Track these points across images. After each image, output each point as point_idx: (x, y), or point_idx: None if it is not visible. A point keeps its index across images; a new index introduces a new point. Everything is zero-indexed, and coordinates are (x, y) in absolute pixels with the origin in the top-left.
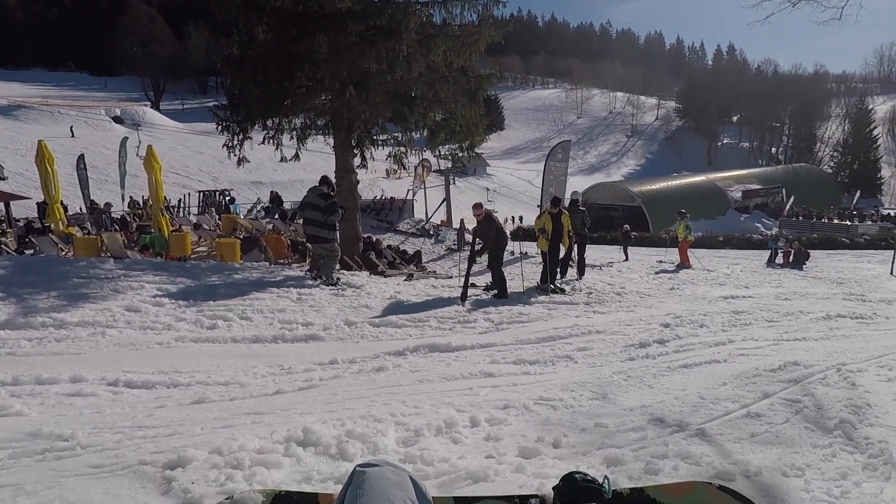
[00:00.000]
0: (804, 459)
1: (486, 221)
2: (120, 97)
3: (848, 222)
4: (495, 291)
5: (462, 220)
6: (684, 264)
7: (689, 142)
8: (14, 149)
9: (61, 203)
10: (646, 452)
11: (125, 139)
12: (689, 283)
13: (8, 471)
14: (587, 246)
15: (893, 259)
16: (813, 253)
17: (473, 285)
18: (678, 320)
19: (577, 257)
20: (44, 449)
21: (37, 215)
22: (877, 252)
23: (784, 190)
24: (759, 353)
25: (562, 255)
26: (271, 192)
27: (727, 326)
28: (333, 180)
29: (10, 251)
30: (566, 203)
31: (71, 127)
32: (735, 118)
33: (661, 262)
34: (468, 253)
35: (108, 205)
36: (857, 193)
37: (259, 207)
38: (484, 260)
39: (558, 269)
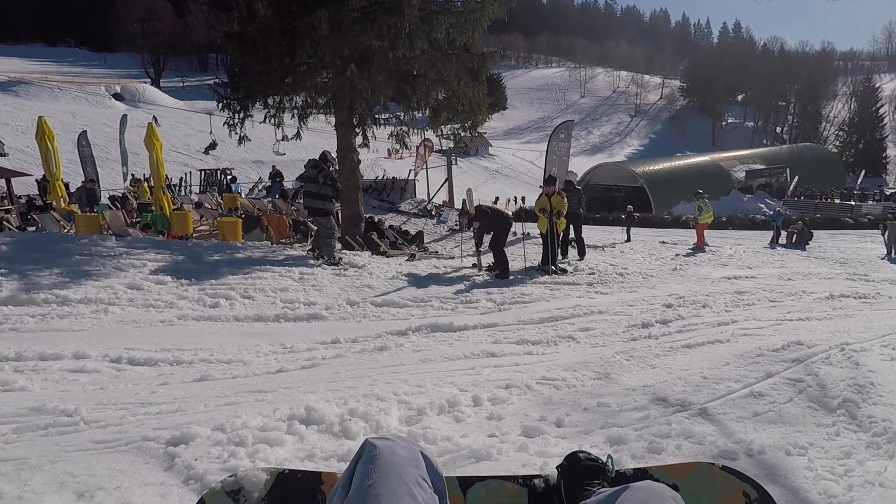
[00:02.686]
0: (807, 438)
1: (480, 216)
2: (120, 74)
3: (852, 202)
4: (497, 272)
5: (464, 201)
6: (699, 247)
7: (693, 122)
8: (14, 125)
9: (62, 181)
10: (649, 432)
11: (125, 116)
12: (692, 264)
13: (13, 445)
14: (583, 226)
15: (887, 244)
16: (816, 233)
17: (474, 265)
18: (681, 301)
19: (574, 237)
20: (47, 424)
21: (37, 192)
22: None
23: (788, 170)
24: (762, 333)
25: (561, 235)
26: (273, 167)
27: (730, 307)
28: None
29: (12, 228)
30: (562, 184)
31: (154, 117)
32: (740, 97)
33: (663, 242)
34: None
35: (90, 181)
36: (862, 173)
37: (261, 187)
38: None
39: (559, 250)
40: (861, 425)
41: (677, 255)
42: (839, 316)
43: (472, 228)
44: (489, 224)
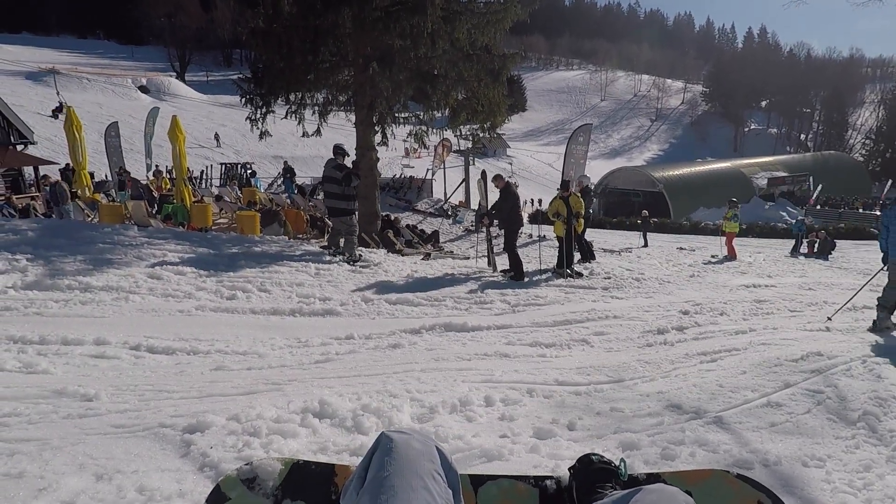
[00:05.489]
0: (825, 450)
1: (505, 190)
2: (146, 67)
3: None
4: (512, 274)
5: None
6: (730, 256)
7: (714, 127)
8: (44, 114)
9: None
10: (662, 438)
11: (156, 109)
12: (710, 271)
13: (35, 426)
14: (601, 230)
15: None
16: (839, 243)
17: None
18: (698, 308)
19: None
20: (69, 407)
21: (60, 180)
22: None
23: (811, 178)
24: (780, 343)
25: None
26: (284, 162)
27: (748, 315)
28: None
29: (38, 214)
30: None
31: (216, 134)
32: (764, 103)
33: (681, 248)
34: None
35: (50, 177)
36: (889, 182)
37: (280, 182)
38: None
39: (575, 253)
40: (882, 439)
41: (695, 261)
42: (861, 328)
43: (482, 224)
44: (501, 208)
